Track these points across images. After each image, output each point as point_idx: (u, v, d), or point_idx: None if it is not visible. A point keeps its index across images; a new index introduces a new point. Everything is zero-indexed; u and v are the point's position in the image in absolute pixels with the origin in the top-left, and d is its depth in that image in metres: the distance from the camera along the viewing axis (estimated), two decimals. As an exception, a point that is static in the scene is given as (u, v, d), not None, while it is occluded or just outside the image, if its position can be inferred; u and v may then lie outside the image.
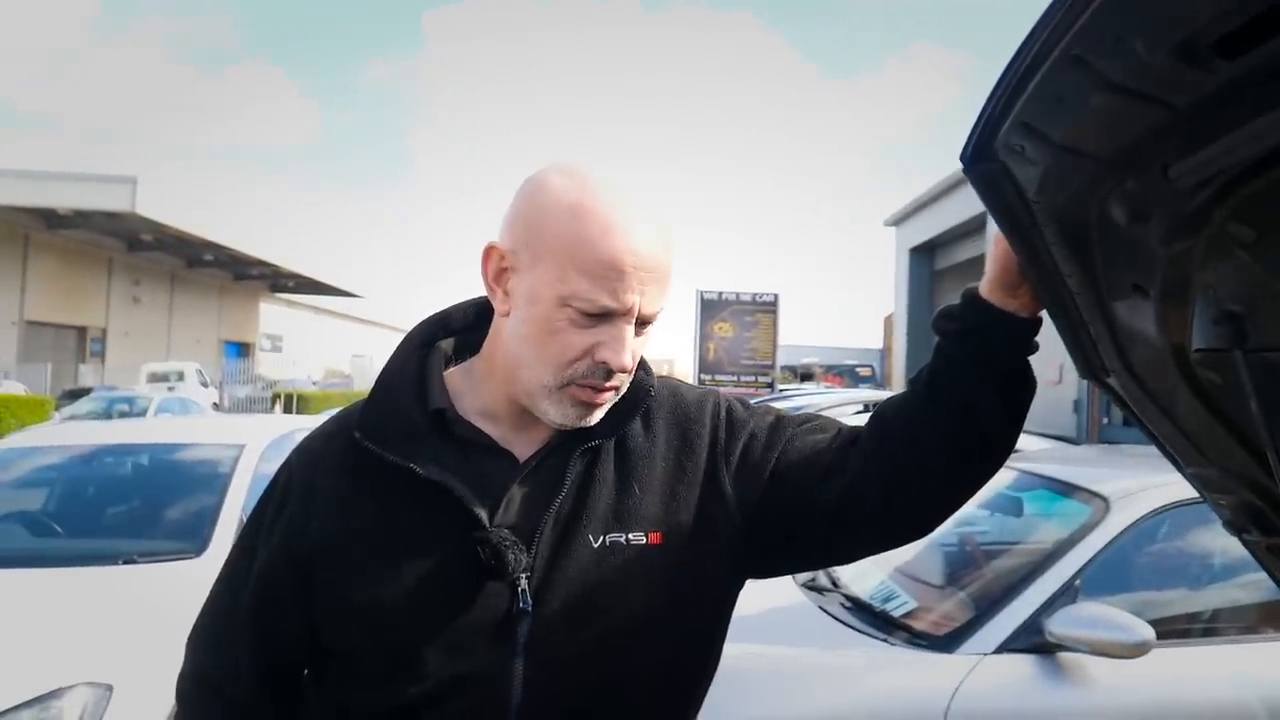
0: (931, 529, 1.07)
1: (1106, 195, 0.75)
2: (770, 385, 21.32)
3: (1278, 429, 0.82)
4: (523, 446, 1.03)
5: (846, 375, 34.96)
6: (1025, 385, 1.02)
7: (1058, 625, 2.47)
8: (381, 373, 1.09)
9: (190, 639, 1.13)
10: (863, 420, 1.11)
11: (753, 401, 1.20)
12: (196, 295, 41.73)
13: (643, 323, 0.97)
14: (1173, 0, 0.53)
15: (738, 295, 22.12)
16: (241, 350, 43.52)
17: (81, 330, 34.99)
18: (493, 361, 1.04)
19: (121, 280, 36.42)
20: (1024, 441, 5.13)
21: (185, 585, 3.34)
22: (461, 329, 1.13)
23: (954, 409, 1.01)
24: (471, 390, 1.06)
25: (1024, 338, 1.01)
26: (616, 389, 1.00)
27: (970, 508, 3.68)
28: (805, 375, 34.58)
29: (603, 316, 0.94)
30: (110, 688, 2.69)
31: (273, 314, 49.42)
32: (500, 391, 1.03)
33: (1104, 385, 1.08)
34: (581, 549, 0.99)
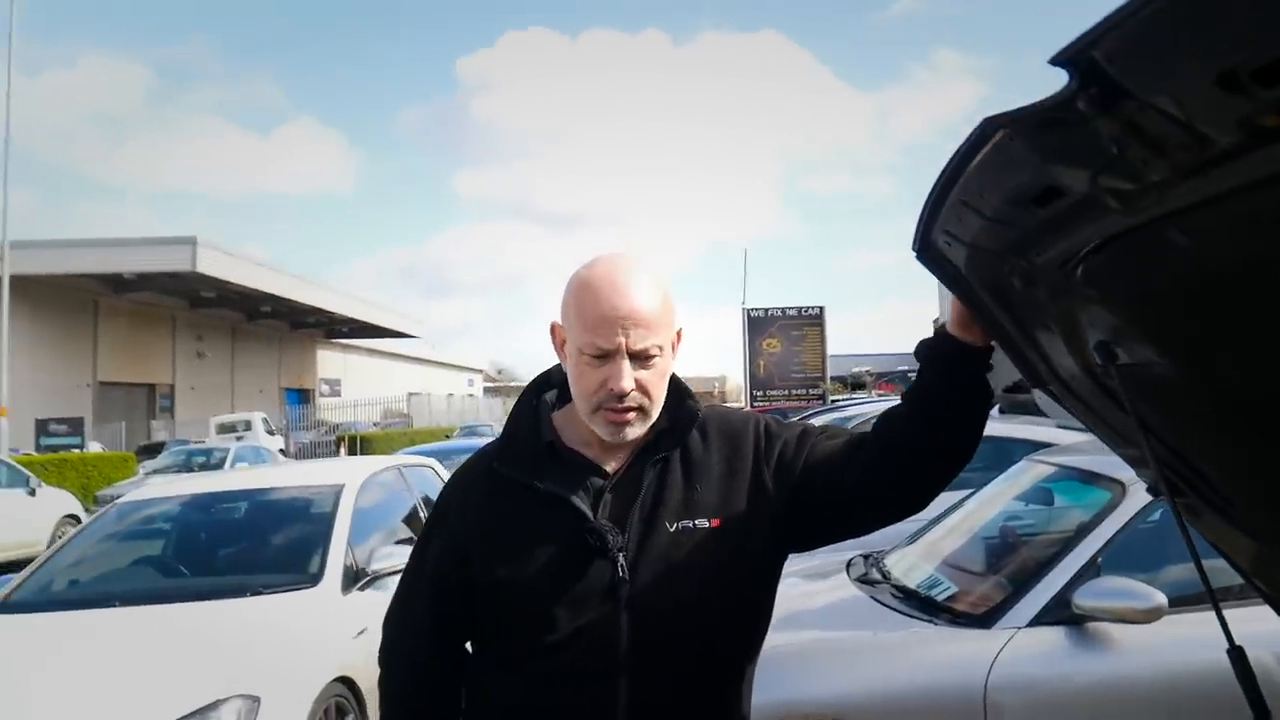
0: (926, 504, 1.43)
1: (1008, 271, 1.13)
2: (822, 397, 21.51)
3: (1145, 420, 1.18)
4: (611, 463, 1.43)
5: (899, 381, 34.86)
6: (984, 396, 1.38)
7: (1082, 598, 2.78)
8: (508, 419, 1.52)
9: (385, 619, 1.54)
10: None
11: (797, 417, 1.58)
12: (256, 346, 43.16)
13: (637, 356, 1.33)
14: (996, 177, 0.92)
15: (784, 310, 22.41)
16: (302, 397, 44.82)
17: (151, 388, 36.41)
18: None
19: (185, 337, 37.85)
20: (1060, 435, 5.40)
21: (307, 611, 3.81)
22: (560, 382, 1.53)
23: (932, 416, 1.37)
24: (570, 426, 1.47)
25: (980, 361, 1.37)
26: (637, 409, 1.36)
27: (1009, 500, 4.01)
28: (856, 384, 34.55)
29: (604, 357, 1.32)
30: (258, 699, 3.14)
31: (329, 359, 50.81)
32: (585, 425, 1.43)
33: (1049, 393, 1.45)
34: (661, 533, 1.36)
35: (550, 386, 1.53)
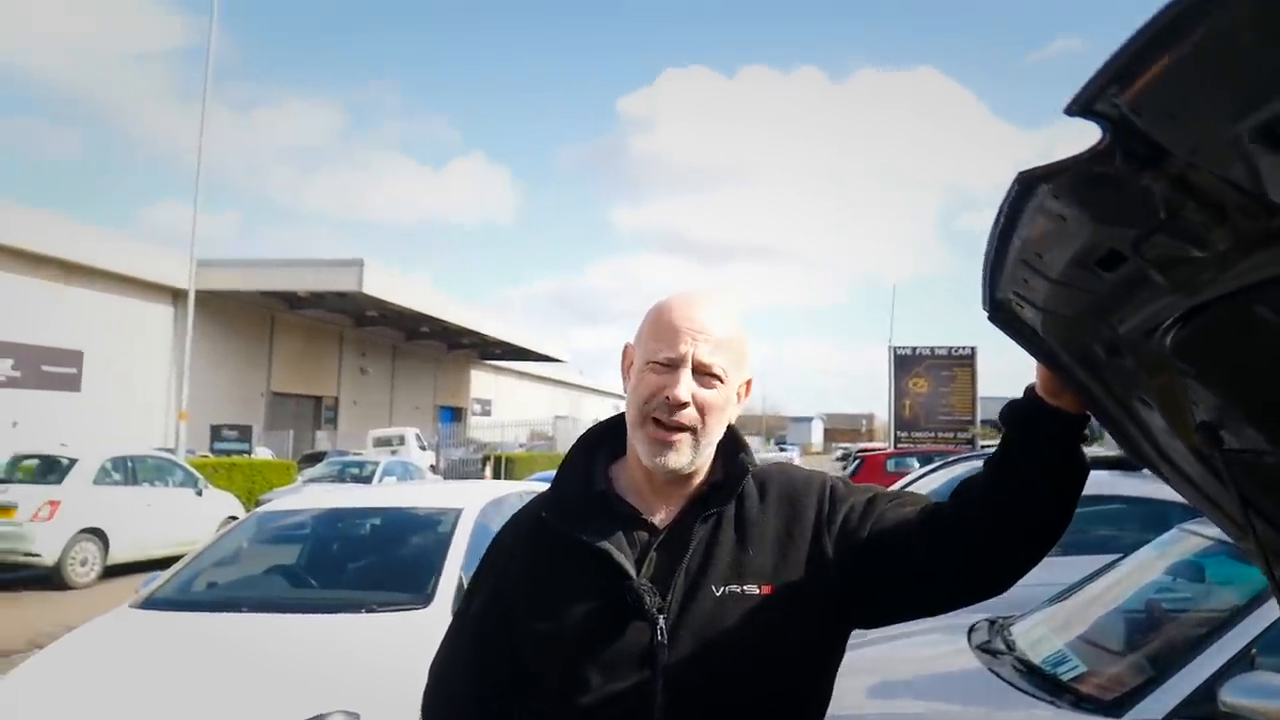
0: (1005, 588, 1.28)
1: (1090, 339, 1.00)
2: (970, 441, 20.54)
3: (1258, 508, 1.01)
4: (661, 515, 1.35)
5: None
6: (1077, 469, 1.23)
7: (1230, 693, 2.47)
8: (559, 468, 1.46)
9: (431, 665, 1.51)
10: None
11: (939, 461, 1.46)
12: (415, 365, 45.22)
13: (700, 371, 1.29)
14: (1050, 237, 0.80)
15: (932, 350, 21.61)
16: (454, 415, 46.51)
17: (318, 400, 38.69)
18: (630, 445, 1.38)
19: (350, 353, 40.08)
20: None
21: (416, 632, 3.87)
22: (610, 428, 1.48)
23: (1018, 491, 1.22)
24: (623, 473, 1.41)
25: (1074, 429, 1.22)
26: (689, 430, 1.30)
27: (1154, 573, 3.65)
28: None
29: (669, 366, 1.29)
30: (358, 716, 3.20)
31: (482, 380, 52.61)
32: (636, 469, 1.37)
33: (1157, 472, 1.28)
34: (706, 597, 1.27)
35: (606, 439, 1.48)
